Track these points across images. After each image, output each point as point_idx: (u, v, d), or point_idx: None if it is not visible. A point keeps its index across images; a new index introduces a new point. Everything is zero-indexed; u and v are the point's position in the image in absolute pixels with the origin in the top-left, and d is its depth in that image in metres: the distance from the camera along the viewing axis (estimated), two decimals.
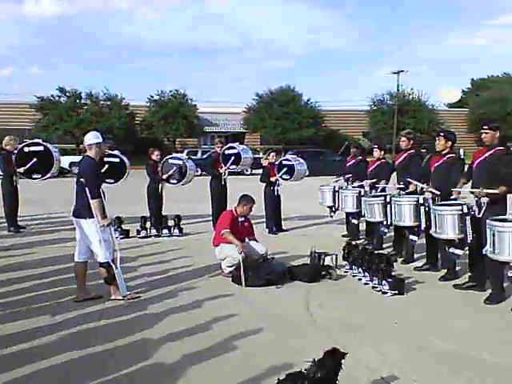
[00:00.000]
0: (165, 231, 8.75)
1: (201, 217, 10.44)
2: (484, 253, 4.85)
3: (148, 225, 8.75)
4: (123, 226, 8.67)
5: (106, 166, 7.83)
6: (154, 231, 8.71)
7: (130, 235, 8.63)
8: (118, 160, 8.18)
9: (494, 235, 4.63)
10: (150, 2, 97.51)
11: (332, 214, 8.68)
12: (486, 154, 5.28)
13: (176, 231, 8.81)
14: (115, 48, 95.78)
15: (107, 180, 7.76)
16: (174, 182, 9.06)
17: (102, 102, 36.33)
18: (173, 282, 5.84)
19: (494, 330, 4.41)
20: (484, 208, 5.11)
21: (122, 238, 8.28)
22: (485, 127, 5.31)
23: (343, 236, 8.58)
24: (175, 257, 7.13)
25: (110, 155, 8.21)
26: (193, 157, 23.89)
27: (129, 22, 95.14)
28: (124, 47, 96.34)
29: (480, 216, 5.16)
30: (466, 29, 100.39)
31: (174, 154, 9.59)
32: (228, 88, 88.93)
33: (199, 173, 17.09)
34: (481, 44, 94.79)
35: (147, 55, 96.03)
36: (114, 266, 5.08)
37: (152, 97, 37.89)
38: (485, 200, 5.08)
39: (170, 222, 8.91)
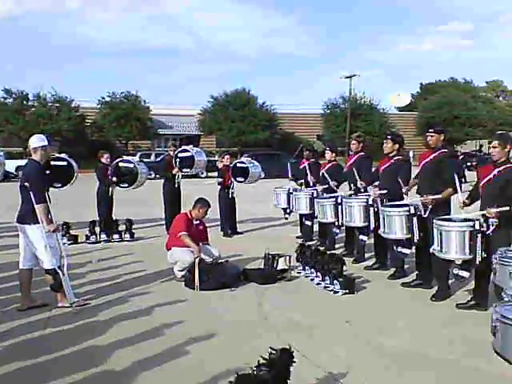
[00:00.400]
0: (115, 236, 8.55)
1: (154, 221, 10.28)
2: (431, 252, 5.02)
3: (97, 230, 8.53)
4: (71, 232, 8.42)
5: (52, 168, 7.55)
6: (104, 236, 8.49)
7: (79, 241, 8.38)
8: (65, 163, 7.92)
9: (440, 234, 4.79)
10: (102, 1, 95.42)
11: (286, 215, 8.78)
12: (431, 156, 5.49)
13: (127, 236, 8.63)
14: (65, 49, 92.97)
15: (54, 184, 7.50)
16: (125, 185, 8.85)
17: (50, 104, 35.16)
18: (123, 287, 5.71)
19: (441, 326, 4.55)
20: (429, 208, 5.30)
21: (70, 244, 8.04)
22: (430, 131, 5.54)
23: (297, 237, 8.67)
24: (126, 262, 6.97)
25: (57, 158, 7.95)
26: (146, 159, 23.53)
27: (80, 23, 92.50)
28: (75, 48, 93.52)
29: (426, 216, 5.35)
30: (415, 35, 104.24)
31: (125, 157, 9.37)
32: (182, 90, 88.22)
33: (152, 176, 16.89)
34: (429, 49, 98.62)
35: (99, 56, 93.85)
36: (60, 273, 4.91)
37: (103, 98, 37.01)
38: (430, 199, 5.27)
39: (121, 227, 8.72)
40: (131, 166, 8.86)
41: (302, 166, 8.98)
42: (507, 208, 4.47)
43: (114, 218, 8.85)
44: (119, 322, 4.59)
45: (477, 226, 4.61)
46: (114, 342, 4.10)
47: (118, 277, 6.18)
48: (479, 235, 4.60)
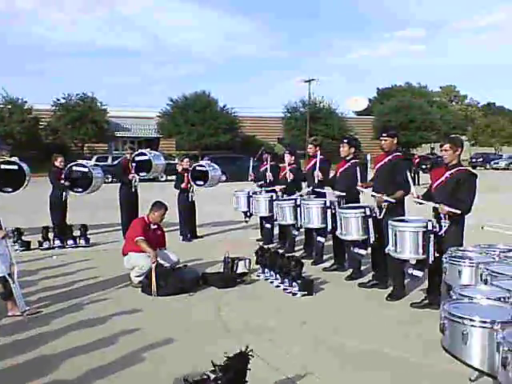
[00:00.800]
0: (70, 242, 8.28)
1: (110, 226, 10.04)
2: (386, 252, 5.13)
3: (51, 235, 8.24)
4: (24, 238, 8.11)
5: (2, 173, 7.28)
6: (57, 242, 8.20)
7: (32, 247, 8.08)
8: (16, 167, 7.64)
9: (395, 235, 4.90)
10: (57, 2, 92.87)
11: (247, 218, 8.77)
12: (385, 160, 5.62)
13: (82, 242, 8.37)
14: (18, 49, 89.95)
15: (4, 188, 7.22)
16: (79, 190, 8.60)
17: (1, 106, 33.88)
18: (78, 294, 5.54)
19: (397, 325, 4.65)
20: (384, 210, 5.42)
21: (22, 251, 7.76)
22: (384, 135, 5.68)
23: (257, 240, 8.67)
24: (81, 268, 6.77)
25: (7, 162, 7.66)
26: (103, 163, 22.98)
27: (34, 23, 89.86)
28: (28, 48, 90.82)
29: (381, 217, 5.46)
30: (372, 40, 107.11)
31: (79, 161, 9.11)
32: (141, 92, 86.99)
33: (110, 179, 16.52)
34: (385, 55, 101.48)
35: (54, 57, 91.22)
36: (10, 280, 4.72)
37: (58, 100, 35.94)
38: (385, 203, 5.39)
39: (76, 232, 8.46)
40: (85, 170, 8.63)
41: (261, 169, 9.02)
42: (458, 211, 4.63)
43: (68, 223, 8.60)
44: (73, 330, 4.45)
45: (430, 227, 4.74)
46: (67, 351, 3.97)
47: (72, 283, 6.00)
48: (432, 235, 4.73)
